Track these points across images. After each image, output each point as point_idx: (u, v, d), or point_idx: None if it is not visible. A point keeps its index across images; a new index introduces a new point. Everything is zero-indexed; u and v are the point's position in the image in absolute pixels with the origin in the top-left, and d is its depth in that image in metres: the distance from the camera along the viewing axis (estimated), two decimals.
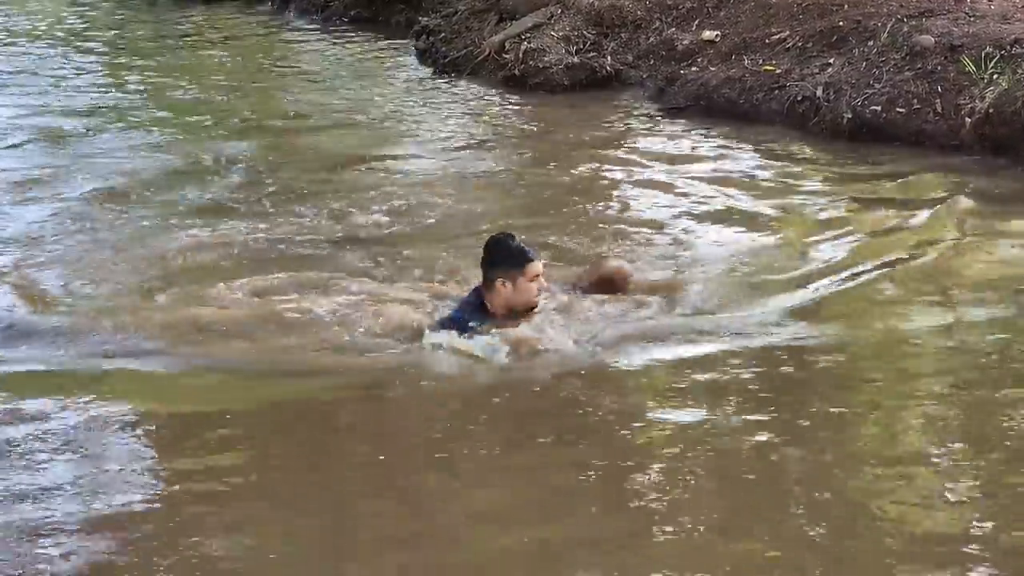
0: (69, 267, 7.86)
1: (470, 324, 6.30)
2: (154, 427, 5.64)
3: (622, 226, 8.69)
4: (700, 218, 8.77)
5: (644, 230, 8.55)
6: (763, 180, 9.78)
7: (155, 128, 12.23)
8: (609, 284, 6.80)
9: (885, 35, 11.48)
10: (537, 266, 6.35)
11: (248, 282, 7.40)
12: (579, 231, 8.55)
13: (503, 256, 6.39)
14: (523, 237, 6.74)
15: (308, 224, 8.71)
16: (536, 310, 6.41)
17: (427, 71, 14.92)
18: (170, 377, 6.22)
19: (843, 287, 7.15)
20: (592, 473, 5.00)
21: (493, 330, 6.24)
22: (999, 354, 6.18)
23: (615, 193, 9.63)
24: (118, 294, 7.38)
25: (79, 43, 17.97)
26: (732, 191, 9.42)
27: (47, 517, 4.73)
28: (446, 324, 6.38)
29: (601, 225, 8.75)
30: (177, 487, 5.03)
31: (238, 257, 8.01)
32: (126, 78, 15.25)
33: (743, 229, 8.45)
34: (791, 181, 9.74)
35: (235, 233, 8.50)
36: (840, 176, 9.82)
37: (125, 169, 10.40)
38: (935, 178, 9.52)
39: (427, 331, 6.32)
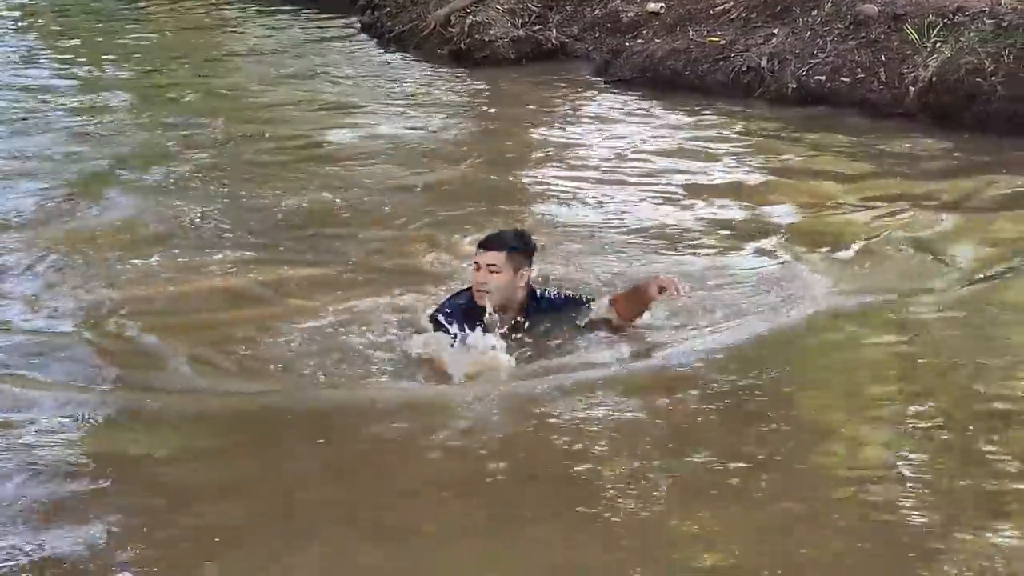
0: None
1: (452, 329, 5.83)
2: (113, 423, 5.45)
3: (569, 197, 8.68)
4: (648, 190, 8.77)
5: (592, 203, 8.54)
6: (709, 151, 9.77)
7: (93, 109, 12.04)
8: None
9: (828, 5, 11.52)
10: (476, 252, 5.93)
11: (191, 264, 7.29)
12: (526, 203, 8.56)
13: None
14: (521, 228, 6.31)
15: (255, 205, 8.59)
16: (486, 307, 5.83)
17: (372, 46, 14.84)
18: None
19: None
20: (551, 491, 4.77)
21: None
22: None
23: (562, 165, 9.59)
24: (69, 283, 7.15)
25: (16, 22, 17.72)
26: (677, 162, 9.44)
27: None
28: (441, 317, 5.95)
29: (547, 197, 8.75)
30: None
31: (180, 240, 7.80)
32: (63, 58, 15.01)
33: (689, 200, 8.48)
34: (736, 151, 9.77)
35: (179, 215, 8.29)
36: (785, 146, 9.86)
37: (64, 151, 10.25)
38: (878, 148, 9.61)
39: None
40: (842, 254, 7.28)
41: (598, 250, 7.47)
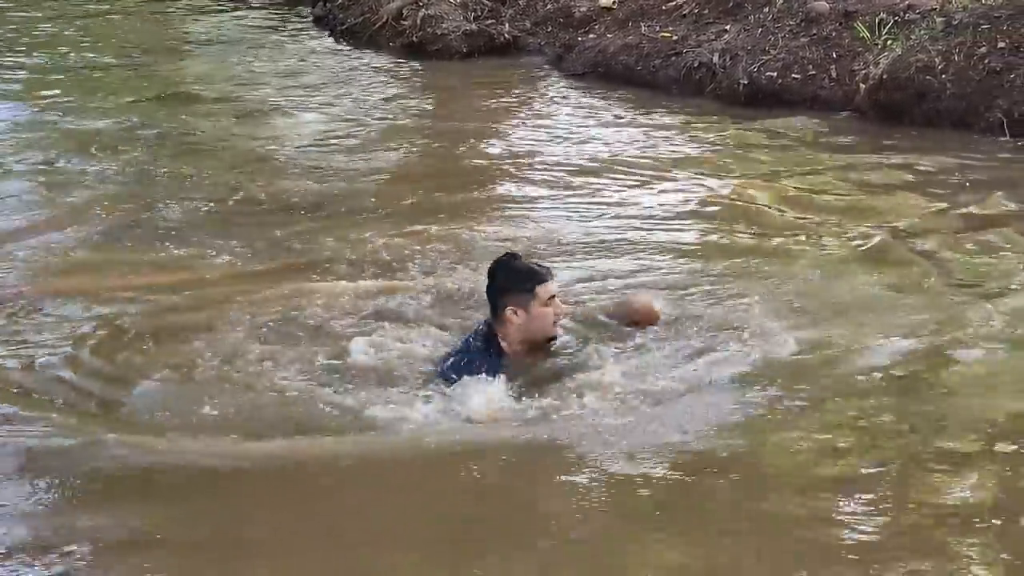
0: None
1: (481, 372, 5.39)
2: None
3: (522, 193, 8.66)
4: (600, 185, 8.74)
5: (544, 199, 8.51)
6: (655, 146, 9.77)
7: (44, 99, 11.92)
8: (638, 323, 5.89)
9: (780, 1, 11.54)
10: (551, 287, 5.49)
11: (133, 261, 7.14)
12: (478, 199, 8.51)
13: (511, 280, 5.50)
14: (537, 260, 5.99)
15: (203, 197, 8.48)
16: (555, 341, 5.60)
17: (325, 39, 14.74)
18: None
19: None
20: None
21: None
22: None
23: (512, 158, 9.56)
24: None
25: None
26: (625, 158, 9.40)
27: None
28: (454, 371, 5.44)
29: (500, 192, 8.72)
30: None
31: (121, 236, 7.67)
32: (11, 47, 14.84)
33: (641, 194, 8.46)
34: (685, 147, 9.76)
35: (131, 212, 8.17)
36: (737, 142, 9.86)
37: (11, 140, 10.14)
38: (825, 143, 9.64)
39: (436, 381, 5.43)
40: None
41: (542, 239, 7.43)
